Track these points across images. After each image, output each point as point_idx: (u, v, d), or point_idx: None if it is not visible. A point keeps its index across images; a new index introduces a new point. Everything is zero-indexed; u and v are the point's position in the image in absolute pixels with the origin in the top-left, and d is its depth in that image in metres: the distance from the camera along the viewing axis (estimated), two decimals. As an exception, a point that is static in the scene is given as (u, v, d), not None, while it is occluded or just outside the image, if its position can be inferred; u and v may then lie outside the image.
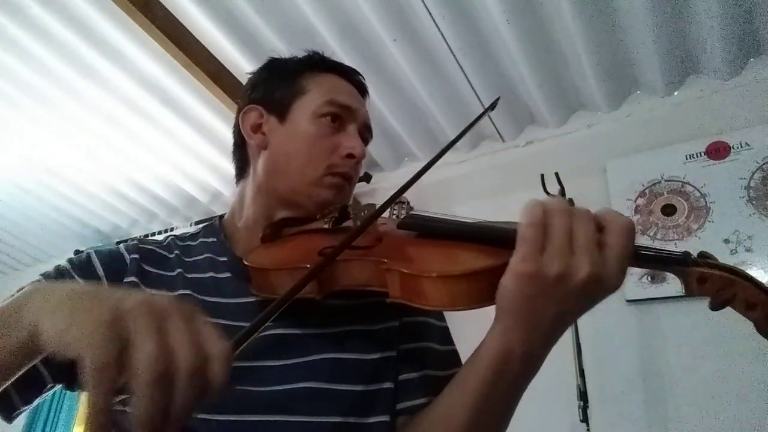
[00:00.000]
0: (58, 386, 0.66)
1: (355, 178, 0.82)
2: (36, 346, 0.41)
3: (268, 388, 0.63)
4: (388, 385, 0.69)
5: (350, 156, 0.78)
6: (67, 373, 0.65)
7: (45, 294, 0.44)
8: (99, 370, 0.34)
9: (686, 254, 0.52)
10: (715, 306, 0.51)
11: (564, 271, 0.48)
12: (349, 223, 0.75)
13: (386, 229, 0.71)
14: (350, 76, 0.87)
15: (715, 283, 0.50)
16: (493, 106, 0.86)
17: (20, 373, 0.46)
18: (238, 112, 0.85)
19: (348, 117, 0.81)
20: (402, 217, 0.71)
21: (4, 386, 0.46)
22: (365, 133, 0.85)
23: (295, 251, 0.70)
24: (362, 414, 0.65)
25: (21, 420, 3.50)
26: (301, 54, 0.89)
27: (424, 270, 0.56)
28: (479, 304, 0.54)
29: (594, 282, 0.49)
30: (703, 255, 0.53)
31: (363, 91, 0.88)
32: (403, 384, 0.71)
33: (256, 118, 0.82)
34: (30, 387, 0.61)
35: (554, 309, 0.51)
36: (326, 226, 0.73)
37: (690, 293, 0.52)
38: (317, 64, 0.86)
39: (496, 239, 0.58)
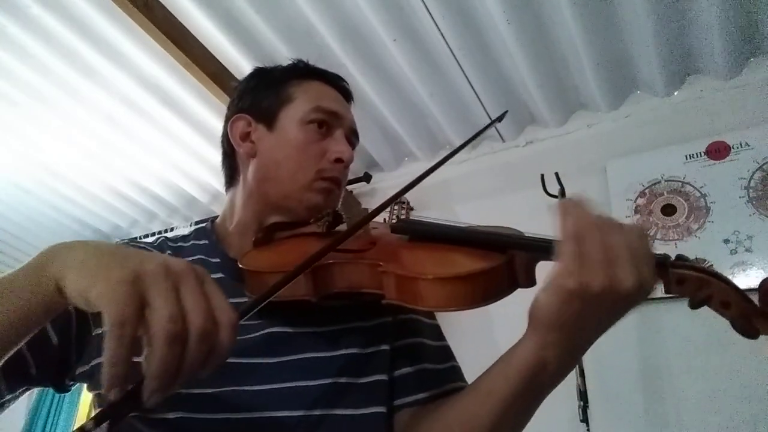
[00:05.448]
0: (47, 384, 0.67)
1: (343, 182, 0.84)
2: (61, 300, 0.45)
3: (264, 387, 0.64)
4: (381, 377, 0.70)
5: (338, 160, 0.80)
6: (53, 369, 0.65)
7: (69, 251, 0.47)
8: (119, 326, 0.38)
9: (665, 256, 0.54)
10: (694, 305, 0.54)
11: (609, 282, 0.48)
12: (342, 227, 0.76)
13: (379, 233, 0.73)
14: (335, 82, 0.89)
15: (692, 283, 0.53)
16: (500, 119, 0.90)
17: (38, 329, 0.48)
18: (226, 122, 0.86)
19: (335, 122, 0.83)
20: (395, 220, 0.73)
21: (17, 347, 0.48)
22: (352, 138, 0.87)
23: (289, 254, 0.71)
24: (355, 406, 0.66)
25: (20, 421, 3.50)
26: (300, 55, 0.90)
27: (419, 272, 0.57)
28: (472, 305, 0.56)
29: (639, 290, 0.49)
30: (680, 258, 0.55)
31: (348, 96, 0.90)
32: (400, 379, 0.72)
33: (244, 127, 0.84)
34: (15, 372, 0.61)
35: (595, 321, 0.52)
36: (320, 230, 0.75)
37: (669, 292, 0.54)
38: (302, 71, 0.87)
39: (487, 243, 0.60)
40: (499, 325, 1.93)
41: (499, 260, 0.57)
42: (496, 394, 0.58)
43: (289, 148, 0.79)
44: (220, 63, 2.23)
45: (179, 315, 0.39)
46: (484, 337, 1.91)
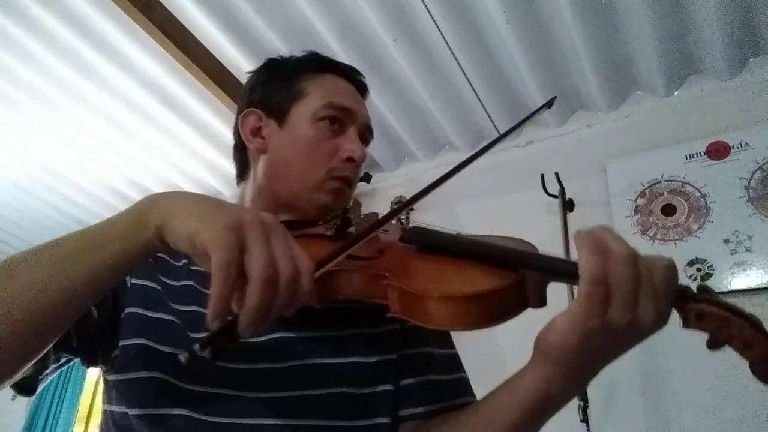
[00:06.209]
0: (78, 358, 0.67)
1: (355, 180, 0.81)
2: (159, 244, 0.50)
3: (268, 394, 0.63)
4: (387, 387, 0.69)
5: (350, 160, 0.77)
6: (91, 343, 0.65)
7: (172, 198, 0.51)
8: (225, 267, 0.42)
9: (685, 288, 0.51)
10: (712, 345, 0.50)
11: (632, 321, 0.47)
12: (351, 231, 0.74)
13: (388, 240, 0.70)
14: (350, 75, 0.85)
15: (712, 320, 0.49)
16: (550, 104, 0.86)
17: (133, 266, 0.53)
18: (238, 115, 0.84)
19: (348, 119, 0.79)
20: (404, 227, 0.71)
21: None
22: (365, 134, 0.84)
23: None
24: (360, 417, 0.65)
25: (21, 419, 3.51)
26: (300, 53, 0.87)
27: (425, 289, 0.55)
28: (479, 325, 0.53)
29: (656, 324, 0.48)
30: (702, 289, 0.51)
31: (363, 90, 0.86)
32: (405, 390, 0.70)
33: (255, 122, 0.81)
34: (61, 342, 0.60)
35: (608, 355, 0.51)
36: (328, 233, 0.73)
37: (686, 326, 0.51)
38: (316, 64, 0.84)
39: (497, 259, 0.58)
40: (503, 334, 1.93)
41: (510, 279, 0.54)
42: (498, 423, 0.57)
43: (299, 146, 0.77)
44: (220, 63, 2.24)
45: (273, 262, 0.44)
46: (488, 343, 1.91)
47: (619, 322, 0.47)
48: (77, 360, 0.67)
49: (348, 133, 0.79)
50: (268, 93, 0.82)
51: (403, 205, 0.67)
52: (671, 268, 0.49)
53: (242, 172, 0.85)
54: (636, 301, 0.47)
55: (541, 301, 0.57)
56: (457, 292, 0.54)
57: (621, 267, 0.47)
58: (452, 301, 0.54)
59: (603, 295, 0.46)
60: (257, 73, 0.87)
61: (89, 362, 0.68)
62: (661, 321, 0.48)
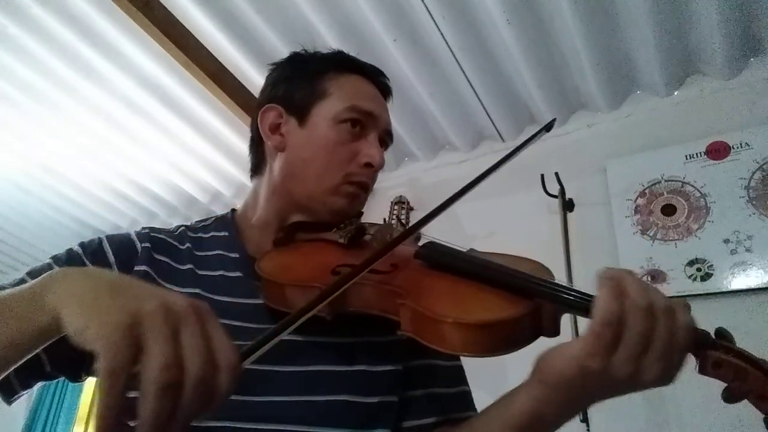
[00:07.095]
0: (61, 377, 0.66)
1: (371, 186, 0.80)
2: (57, 330, 0.43)
3: (272, 398, 0.63)
4: (392, 398, 0.68)
5: (369, 165, 0.76)
6: (68, 365, 0.64)
7: (66, 281, 0.45)
8: (110, 375, 0.36)
9: (705, 335, 0.50)
10: (730, 398, 0.49)
11: (634, 373, 0.47)
12: (365, 239, 0.74)
13: (402, 254, 0.68)
14: (374, 77, 0.84)
15: (729, 370, 0.48)
16: (549, 128, 0.86)
17: (34, 353, 0.46)
18: (258, 108, 0.82)
19: (369, 123, 0.78)
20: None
21: (10, 369, 0.47)
22: (385, 139, 0.82)
23: (308, 265, 0.69)
24: (362, 426, 0.65)
25: (21, 419, 3.50)
26: (326, 50, 0.86)
27: (440, 313, 0.54)
28: (492, 353, 0.53)
29: (659, 382, 0.48)
30: (721, 334, 0.50)
31: (386, 93, 0.85)
32: (409, 401, 0.70)
33: (274, 118, 0.80)
34: (29, 373, 0.60)
35: (607, 393, 0.51)
36: (341, 240, 0.72)
37: (703, 373, 0.50)
38: (341, 63, 0.83)
39: (514, 286, 0.57)
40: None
41: (526, 309, 0.54)
42: None
43: (318, 148, 0.76)
44: (220, 63, 2.23)
45: (174, 362, 0.37)
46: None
47: (620, 370, 0.47)
48: (62, 378, 0.66)
49: (369, 138, 0.78)
50: (291, 90, 0.80)
51: (421, 221, 0.66)
52: (688, 322, 0.48)
53: (258, 167, 0.84)
54: (641, 356, 0.46)
55: (555, 331, 0.56)
56: (472, 319, 0.53)
57: (635, 318, 0.46)
58: (466, 327, 0.53)
59: (611, 339, 0.46)
60: (281, 68, 0.85)
61: (73, 380, 0.67)
62: (664, 380, 0.48)
